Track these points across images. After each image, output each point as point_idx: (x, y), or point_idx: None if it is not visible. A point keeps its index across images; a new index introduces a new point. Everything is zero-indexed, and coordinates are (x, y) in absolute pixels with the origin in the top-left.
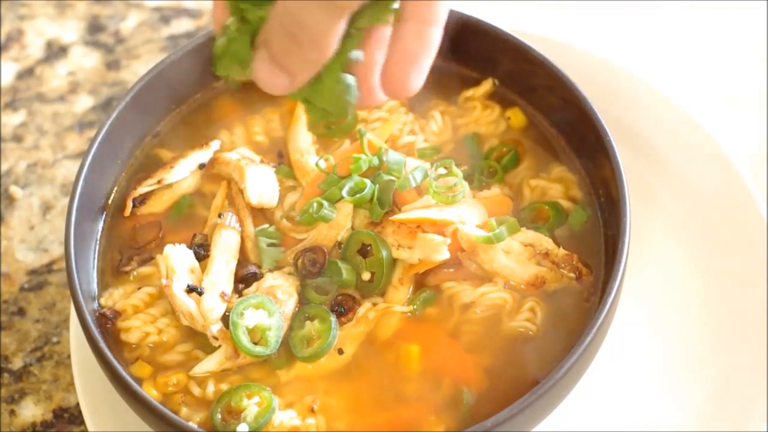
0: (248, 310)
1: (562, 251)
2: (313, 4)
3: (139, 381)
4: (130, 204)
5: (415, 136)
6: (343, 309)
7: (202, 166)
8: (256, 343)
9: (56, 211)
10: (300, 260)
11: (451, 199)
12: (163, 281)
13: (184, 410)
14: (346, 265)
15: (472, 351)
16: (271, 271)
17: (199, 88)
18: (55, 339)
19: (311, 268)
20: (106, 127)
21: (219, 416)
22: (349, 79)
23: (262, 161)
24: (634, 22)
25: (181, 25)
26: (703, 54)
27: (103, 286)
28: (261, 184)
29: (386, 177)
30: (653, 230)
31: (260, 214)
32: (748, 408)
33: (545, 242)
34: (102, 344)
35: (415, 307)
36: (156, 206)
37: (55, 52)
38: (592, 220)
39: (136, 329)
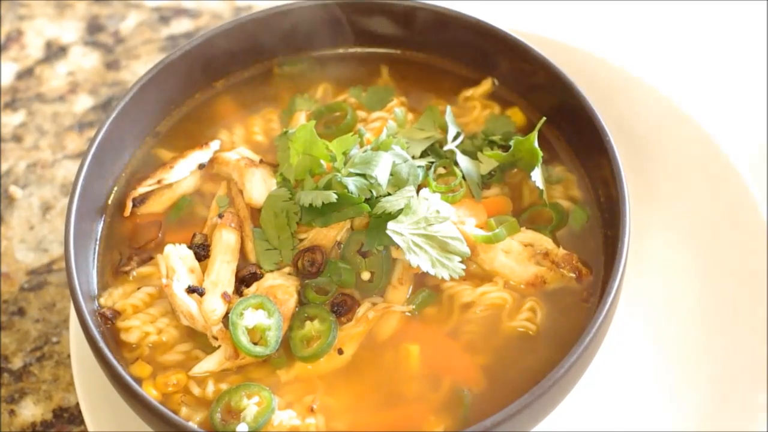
0: (248, 310)
1: (561, 251)
2: None
3: (139, 381)
4: (129, 204)
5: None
6: (342, 309)
7: (201, 166)
8: (255, 343)
9: (56, 211)
10: (299, 260)
11: (451, 199)
12: (164, 281)
13: (183, 410)
14: (345, 265)
15: (472, 351)
16: (270, 271)
17: (199, 87)
18: (54, 339)
19: (310, 268)
20: (105, 127)
21: (219, 416)
22: None
23: (261, 161)
24: (634, 22)
25: (181, 25)
26: (703, 54)
27: (103, 286)
28: (260, 184)
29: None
30: (653, 230)
31: (259, 214)
32: (748, 408)
33: (545, 242)
34: (102, 344)
35: (414, 306)
36: (156, 206)
37: (55, 52)
38: (591, 220)
39: (135, 329)
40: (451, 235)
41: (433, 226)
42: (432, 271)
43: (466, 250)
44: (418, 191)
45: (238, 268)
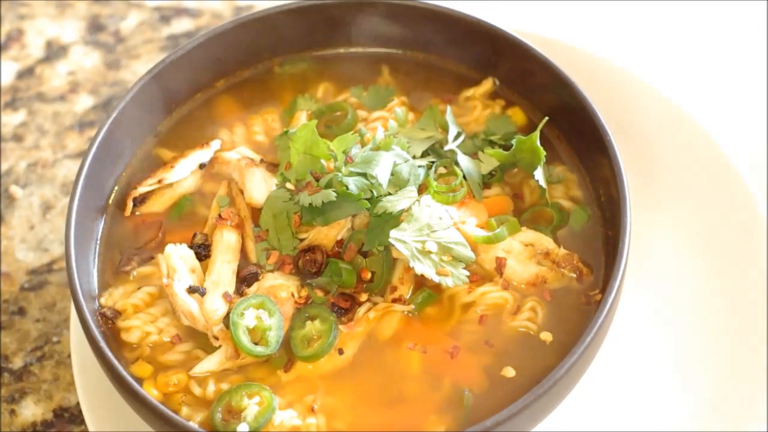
0: (249, 310)
1: (562, 251)
2: None
3: (140, 381)
4: (130, 203)
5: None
6: (343, 309)
7: (202, 166)
8: (256, 343)
9: (56, 211)
10: (300, 260)
11: (452, 199)
12: (164, 281)
13: (184, 410)
14: (345, 265)
15: (473, 351)
16: (271, 271)
17: (199, 87)
18: (55, 338)
19: (311, 267)
20: (106, 126)
21: (219, 416)
22: None
23: (262, 161)
24: (634, 22)
25: (181, 25)
26: (703, 54)
27: (104, 285)
28: (261, 184)
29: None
30: (653, 230)
31: (260, 213)
32: (748, 408)
33: (546, 242)
34: (102, 344)
35: (415, 306)
36: (156, 206)
37: (56, 51)
38: (592, 220)
39: (136, 329)
40: (455, 241)
41: (437, 233)
42: (437, 279)
43: (471, 255)
44: (419, 192)
45: (239, 268)
